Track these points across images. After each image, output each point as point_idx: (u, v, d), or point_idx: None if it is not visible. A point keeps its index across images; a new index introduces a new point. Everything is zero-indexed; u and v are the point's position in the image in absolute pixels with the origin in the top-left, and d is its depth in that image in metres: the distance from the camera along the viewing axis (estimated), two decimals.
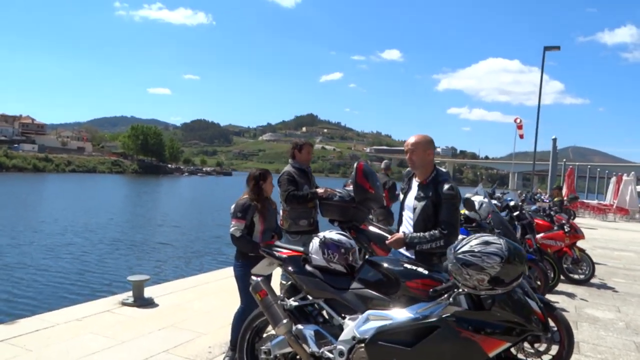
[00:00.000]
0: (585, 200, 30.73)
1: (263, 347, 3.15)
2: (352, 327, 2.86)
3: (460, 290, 2.54)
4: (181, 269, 11.86)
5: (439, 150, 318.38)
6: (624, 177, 25.26)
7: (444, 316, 2.53)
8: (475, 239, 2.40)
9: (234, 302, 5.41)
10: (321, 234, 3.19)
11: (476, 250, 2.34)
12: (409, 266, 2.85)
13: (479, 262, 2.31)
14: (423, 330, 2.59)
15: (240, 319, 3.82)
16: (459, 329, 2.47)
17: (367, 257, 3.09)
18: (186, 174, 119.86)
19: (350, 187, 4.83)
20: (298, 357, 3.08)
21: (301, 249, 3.32)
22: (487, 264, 2.31)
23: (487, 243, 2.36)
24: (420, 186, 3.37)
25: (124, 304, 5.21)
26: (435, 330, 2.54)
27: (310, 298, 3.11)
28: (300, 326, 3.02)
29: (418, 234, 3.22)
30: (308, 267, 3.15)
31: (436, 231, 3.16)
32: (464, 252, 2.37)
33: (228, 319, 4.77)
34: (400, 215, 3.58)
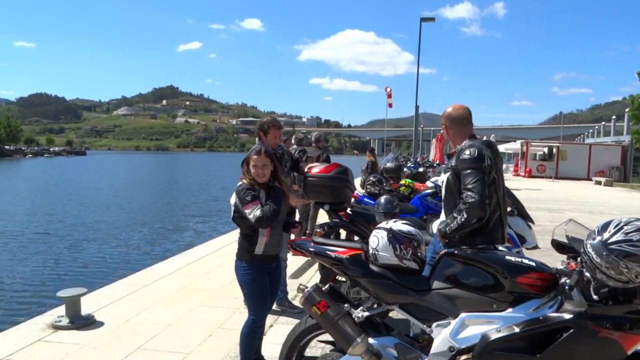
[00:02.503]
0: None
1: None
2: (446, 335, 2.38)
3: (574, 280, 2.21)
4: (93, 272, 9.75)
5: (304, 120, 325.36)
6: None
7: (575, 313, 2.18)
8: (627, 224, 2.05)
9: (191, 307, 4.63)
10: (385, 226, 2.62)
11: (635, 239, 2.00)
12: (513, 258, 2.44)
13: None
14: (548, 333, 2.22)
15: (250, 333, 3.11)
16: (596, 328, 2.14)
17: (445, 250, 2.58)
18: (30, 155, 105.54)
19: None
20: None
21: (357, 245, 2.71)
22: None
23: None
24: (447, 158, 3.08)
25: (56, 327, 4.06)
26: (566, 332, 2.17)
27: (382, 304, 2.56)
28: (373, 340, 2.46)
29: (446, 220, 2.83)
30: (374, 267, 2.57)
31: (460, 205, 2.70)
32: (618, 242, 2.02)
33: (202, 331, 4.04)
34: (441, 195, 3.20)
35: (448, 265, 2.52)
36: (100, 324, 4.19)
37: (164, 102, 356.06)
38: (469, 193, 2.63)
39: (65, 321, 4.11)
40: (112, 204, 22.04)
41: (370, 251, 2.60)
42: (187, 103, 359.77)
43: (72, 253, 11.40)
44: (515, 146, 36.50)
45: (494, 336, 2.27)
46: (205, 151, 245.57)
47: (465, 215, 2.63)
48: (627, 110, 33.71)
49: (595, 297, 2.18)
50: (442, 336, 2.40)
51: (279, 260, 3.33)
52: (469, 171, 2.68)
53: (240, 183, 3.11)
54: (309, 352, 2.85)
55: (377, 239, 2.58)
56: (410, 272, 2.56)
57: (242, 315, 4.45)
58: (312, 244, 2.72)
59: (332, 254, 2.61)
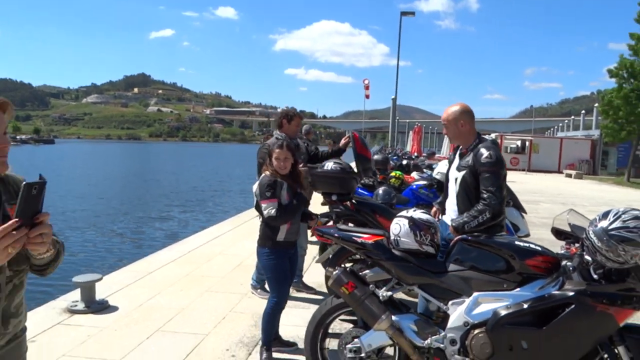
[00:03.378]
0: (439, 155, 34.33)
1: (350, 345, 2.77)
2: (461, 312, 2.66)
3: (575, 263, 2.53)
4: (102, 258, 9.83)
5: (279, 110, 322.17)
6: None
7: (576, 291, 2.49)
8: (624, 213, 2.36)
9: (199, 293, 4.83)
10: (406, 214, 2.88)
11: (631, 225, 2.31)
12: (521, 243, 2.73)
13: (637, 237, 2.29)
14: (552, 309, 2.52)
15: (272, 314, 3.35)
16: (594, 304, 2.45)
17: (459, 236, 2.86)
18: None
19: None
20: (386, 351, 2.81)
21: (378, 231, 2.96)
22: None
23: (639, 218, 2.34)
24: (460, 155, 3.33)
25: (72, 311, 4.20)
26: (568, 307, 2.48)
27: (403, 285, 2.82)
28: (396, 317, 2.73)
29: (462, 215, 3.14)
30: (395, 252, 2.83)
31: (479, 205, 3.06)
32: (617, 229, 2.32)
33: (215, 315, 4.24)
34: (446, 188, 3.47)
35: (462, 250, 2.79)
36: (115, 308, 4.34)
37: (136, 90, 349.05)
38: (491, 195, 2.98)
39: (81, 306, 4.24)
40: (89, 193, 21.84)
41: (392, 237, 2.86)
42: (160, 91, 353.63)
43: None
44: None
45: (504, 312, 2.56)
46: (178, 141, 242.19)
47: (487, 216, 2.98)
48: (596, 105, 34.95)
49: (594, 276, 2.49)
50: (457, 313, 2.68)
51: (297, 246, 3.56)
52: (488, 175, 3.02)
53: (263, 175, 3.32)
54: (331, 330, 3.09)
55: (399, 226, 2.83)
56: (428, 256, 2.83)
57: (250, 300, 4.69)
58: (336, 231, 2.97)
59: (358, 239, 2.86)
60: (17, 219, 1.21)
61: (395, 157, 15.20)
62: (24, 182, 1.24)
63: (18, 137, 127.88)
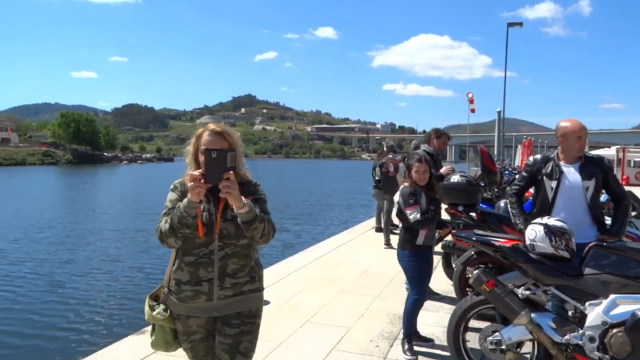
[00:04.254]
0: None
1: (491, 337, 3.12)
2: (599, 312, 2.90)
3: None
4: None
5: (378, 126, 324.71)
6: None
7: None
8: None
9: (334, 294, 5.39)
10: (541, 221, 3.19)
11: None
12: None
13: None
14: None
15: (413, 309, 3.79)
16: None
17: (594, 242, 3.13)
18: (125, 162, 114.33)
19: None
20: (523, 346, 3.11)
21: (514, 237, 3.30)
22: None
23: None
24: (581, 167, 3.50)
25: None
26: None
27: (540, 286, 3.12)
28: (534, 314, 3.03)
29: (617, 223, 3.49)
30: (532, 255, 3.14)
31: (621, 207, 3.49)
32: None
33: (353, 312, 4.76)
34: (547, 201, 3.55)
35: (598, 254, 3.03)
36: (267, 302, 5.05)
37: (243, 110, 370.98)
38: (625, 192, 3.46)
39: None
40: None
41: (528, 242, 3.17)
42: (264, 111, 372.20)
43: None
44: (610, 152, 34.50)
45: None
46: (282, 157, 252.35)
47: (632, 212, 3.46)
48: None
49: None
50: (595, 313, 2.91)
51: (432, 250, 3.98)
52: (613, 174, 3.46)
53: (403, 186, 3.80)
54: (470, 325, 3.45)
55: (535, 232, 3.14)
56: (563, 259, 3.10)
57: (382, 301, 5.16)
58: (475, 235, 3.36)
59: (496, 243, 3.22)
60: (202, 172, 1.90)
61: (507, 172, 14.91)
62: (208, 149, 1.94)
63: (144, 155, 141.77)
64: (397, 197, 3.84)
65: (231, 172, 1.90)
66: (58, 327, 7.08)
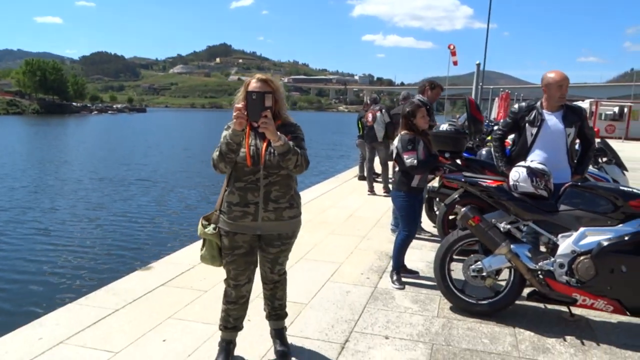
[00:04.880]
0: None
1: (473, 266, 3.50)
2: (570, 242, 3.27)
3: None
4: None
5: (356, 78, 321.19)
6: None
7: None
8: None
9: (324, 235, 5.75)
10: (524, 164, 3.51)
11: None
12: (625, 188, 3.28)
13: None
14: None
15: (403, 244, 4.14)
16: None
17: (570, 182, 3.48)
18: (95, 112, 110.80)
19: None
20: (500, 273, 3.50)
21: (498, 178, 3.62)
22: None
23: None
24: (564, 115, 3.83)
25: None
26: None
27: (520, 220, 3.48)
28: (513, 245, 3.39)
29: (583, 164, 3.91)
30: (515, 194, 3.48)
31: (589, 151, 3.95)
32: None
33: (343, 250, 5.10)
34: (526, 146, 3.89)
35: (573, 193, 3.38)
36: None
37: (218, 60, 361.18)
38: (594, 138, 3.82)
39: None
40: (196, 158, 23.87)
41: (511, 182, 3.50)
42: (240, 61, 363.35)
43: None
44: (584, 105, 35.37)
45: (608, 243, 3.14)
46: None
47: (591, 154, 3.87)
48: None
49: None
50: (566, 243, 3.29)
51: (424, 192, 4.31)
52: (587, 122, 3.82)
53: (403, 132, 4.06)
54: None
55: (518, 173, 3.47)
56: (542, 198, 3.45)
57: (369, 241, 5.52)
58: (463, 177, 3.67)
59: (483, 184, 3.54)
60: (244, 104, 2.29)
61: (486, 124, 15.32)
62: (249, 90, 2.34)
63: (115, 106, 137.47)
64: (395, 143, 4.10)
65: (268, 110, 2.26)
66: (48, 272, 7.28)
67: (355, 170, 10.45)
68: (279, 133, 2.36)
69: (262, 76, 2.51)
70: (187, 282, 4.11)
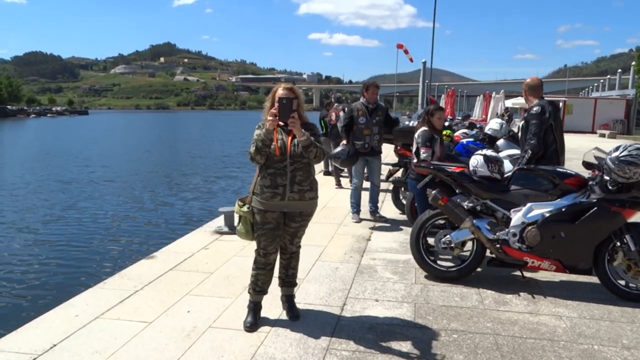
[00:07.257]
0: (473, 118, 34.86)
1: (443, 239, 4.19)
2: (520, 215, 4.02)
3: (597, 181, 3.84)
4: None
5: (305, 77, 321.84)
6: (494, 95, 29.24)
7: (598, 199, 3.81)
8: (630, 146, 3.64)
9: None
10: (481, 153, 4.23)
11: (634, 153, 3.59)
12: (562, 169, 4.06)
13: (637, 160, 3.58)
14: (582, 211, 3.84)
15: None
16: (609, 206, 3.76)
17: (518, 166, 4.25)
18: (33, 115, 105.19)
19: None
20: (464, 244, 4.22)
21: (461, 165, 4.33)
22: None
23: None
24: (526, 112, 4.68)
25: (220, 232, 5.72)
26: (592, 209, 3.80)
27: (479, 200, 4.19)
28: (475, 220, 4.11)
29: (521, 155, 4.59)
30: (474, 178, 4.19)
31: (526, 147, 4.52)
32: (624, 156, 3.61)
33: (324, 235, 5.70)
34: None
35: (521, 175, 4.13)
36: None
37: (162, 59, 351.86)
38: (532, 136, 4.31)
39: (225, 229, 5.77)
40: (155, 159, 23.71)
41: (471, 168, 4.21)
42: (185, 60, 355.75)
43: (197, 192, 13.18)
44: (521, 101, 37.64)
45: (549, 214, 3.90)
46: (206, 109, 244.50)
47: (529, 153, 4.37)
48: (632, 64, 34.74)
49: (610, 189, 3.79)
50: (517, 216, 4.03)
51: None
52: (534, 121, 4.36)
53: (424, 129, 4.92)
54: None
55: (477, 160, 4.19)
56: (496, 180, 4.18)
57: (346, 227, 6.15)
58: (432, 164, 4.37)
59: (448, 170, 4.24)
60: (277, 109, 2.91)
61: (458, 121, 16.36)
62: (280, 97, 2.95)
63: (54, 108, 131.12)
64: (417, 135, 4.91)
65: (295, 112, 2.88)
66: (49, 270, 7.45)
67: (320, 166, 11.07)
68: (303, 130, 2.97)
69: (288, 85, 3.12)
70: (192, 266, 4.58)
